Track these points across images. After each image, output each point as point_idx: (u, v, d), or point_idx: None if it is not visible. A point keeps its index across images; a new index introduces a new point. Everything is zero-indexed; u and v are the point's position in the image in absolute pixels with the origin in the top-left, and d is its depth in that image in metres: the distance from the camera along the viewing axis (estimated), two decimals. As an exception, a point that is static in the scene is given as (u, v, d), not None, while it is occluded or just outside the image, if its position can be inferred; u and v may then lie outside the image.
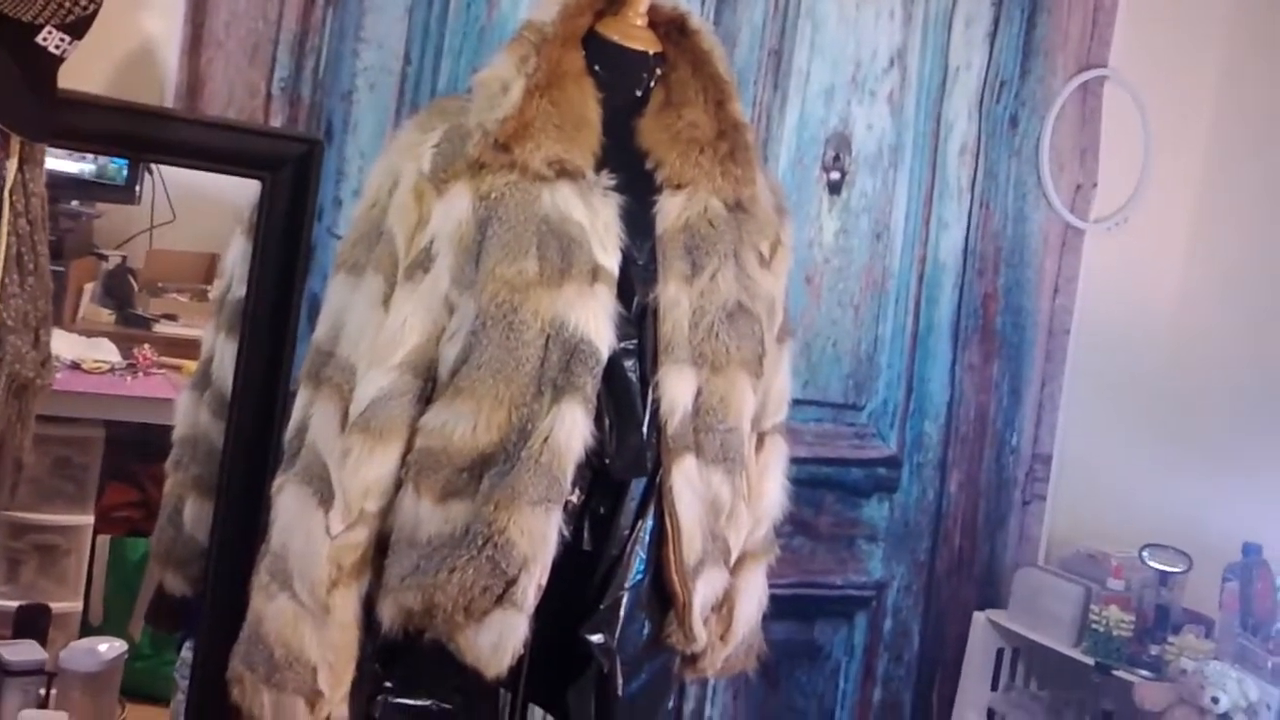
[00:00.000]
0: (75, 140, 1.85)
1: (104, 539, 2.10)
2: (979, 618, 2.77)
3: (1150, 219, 2.88)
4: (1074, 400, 2.88)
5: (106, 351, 2.08)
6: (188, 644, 2.07)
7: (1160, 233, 2.89)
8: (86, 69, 1.78)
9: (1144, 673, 2.45)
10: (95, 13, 1.61)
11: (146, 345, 2.11)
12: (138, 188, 2.04)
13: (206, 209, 2.07)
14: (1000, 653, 2.79)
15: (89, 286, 2.10)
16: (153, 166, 2.01)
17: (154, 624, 2.14)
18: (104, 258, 2.11)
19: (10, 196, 1.64)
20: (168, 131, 1.88)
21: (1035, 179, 2.77)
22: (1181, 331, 2.88)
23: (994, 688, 2.79)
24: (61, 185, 1.88)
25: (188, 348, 2.10)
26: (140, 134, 1.86)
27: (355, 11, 2.08)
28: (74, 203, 2.03)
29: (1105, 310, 2.86)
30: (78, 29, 1.61)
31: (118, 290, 2.12)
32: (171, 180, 2.02)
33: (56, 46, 1.60)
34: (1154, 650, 2.48)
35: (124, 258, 2.13)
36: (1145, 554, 2.53)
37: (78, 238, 2.06)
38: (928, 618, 2.79)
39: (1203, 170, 2.91)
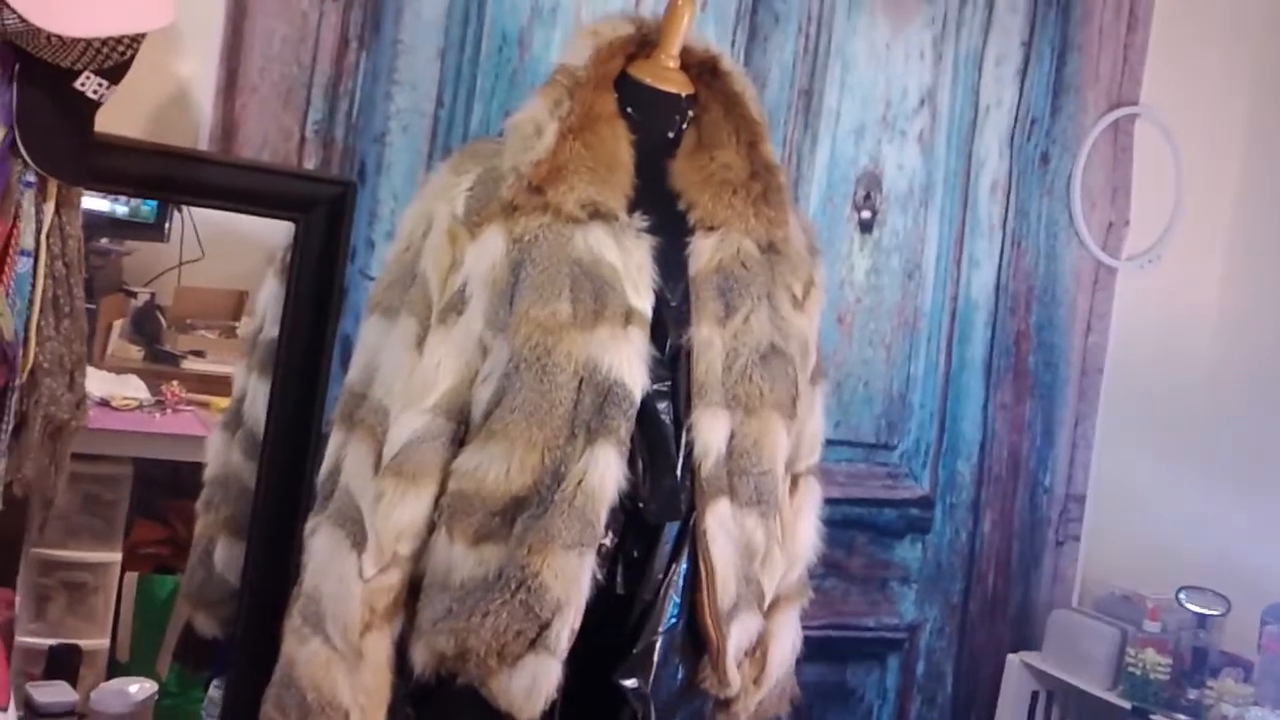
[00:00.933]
0: (111, 184, 1.86)
1: (132, 576, 2.09)
2: (1013, 660, 2.74)
3: (1183, 256, 2.86)
4: (1108, 439, 2.85)
5: (135, 388, 2.09)
6: (215, 683, 2.06)
7: (1193, 270, 2.87)
8: (123, 113, 1.79)
9: (1182, 717, 2.42)
10: (132, 58, 1.62)
11: (175, 382, 2.11)
12: (167, 225, 2.05)
13: (235, 247, 2.08)
14: (1035, 696, 2.75)
15: (118, 323, 2.11)
16: (182, 205, 2.02)
17: (182, 663, 2.13)
18: (133, 294, 2.12)
19: (47, 240, 1.65)
20: (203, 174, 1.90)
21: (1067, 217, 2.76)
22: (1216, 369, 2.86)
23: (1029, 731, 2.77)
24: (92, 224, 1.89)
25: (216, 384, 2.11)
26: (176, 177, 1.88)
27: (388, 55, 2.09)
28: (104, 240, 2.04)
29: (1139, 348, 2.84)
30: (115, 74, 1.62)
31: (146, 327, 2.13)
32: (200, 218, 2.03)
33: (94, 91, 1.61)
34: (1192, 694, 2.45)
35: (152, 294, 2.13)
36: (1183, 596, 2.49)
37: (107, 275, 2.07)
38: (961, 660, 2.76)
39: (1235, 207, 2.90)
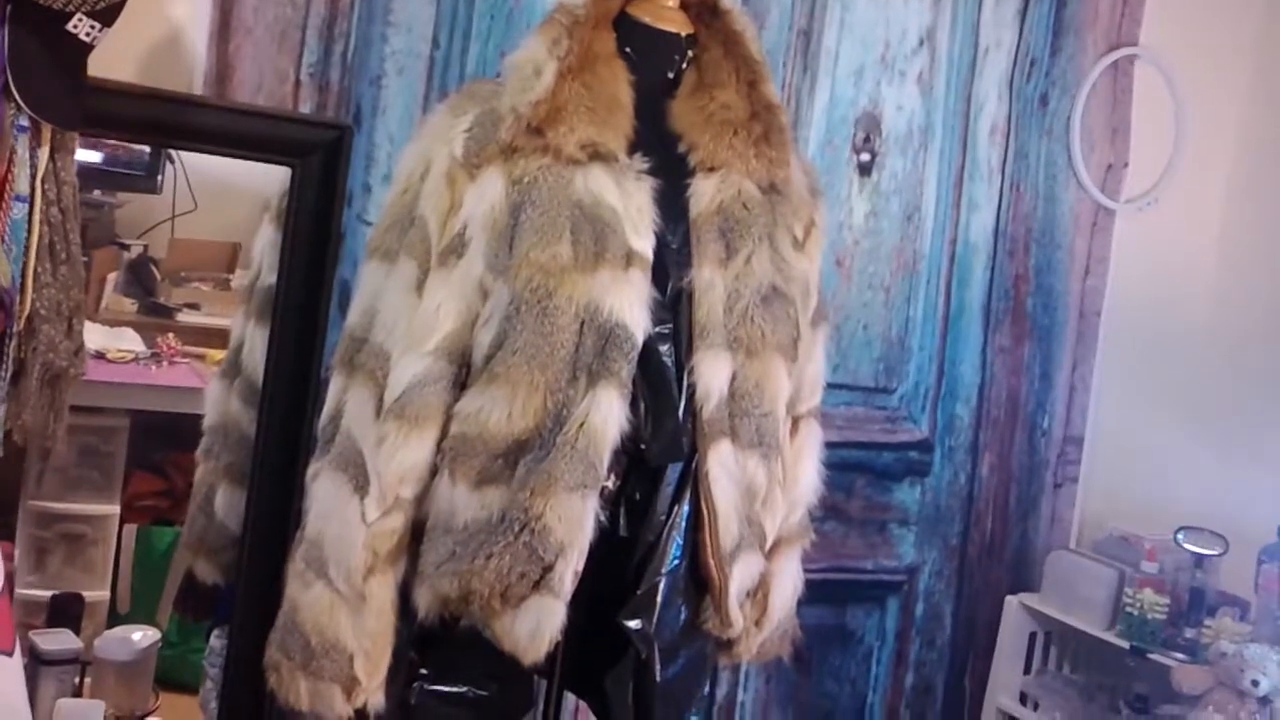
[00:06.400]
0: (105, 128, 1.84)
1: (130, 528, 2.10)
2: (1011, 601, 2.76)
3: (1182, 199, 2.85)
4: (1106, 382, 2.86)
5: (130, 341, 2.09)
6: (216, 632, 2.07)
7: (1192, 212, 2.87)
8: (116, 57, 1.78)
9: (1180, 656, 2.44)
10: (124, 0, 1.60)
11: (170, 334, 2.11)
12: (159, 177, 2.04)
13: (228, 198, 2.07)
14: (1033, 636, 2.78)
15: (111, 276, 2.10)
16: (174, 155, 2.00)
17: (183, 612, 2.14)
18: (126, 247, 2.11)
19: (42, 185, 1.64)
20: (197, 119, 1.88)
21: (1066, 159, 2.75)
22: (1214, 312, 2.86)
23: (1027, 671, 2.78)
24: (84, 174, 1.88)
25: (211, 336, 2.10)
26: (170, 121, 1.86)
27: (382, -5, 2.08)
28: (96, 192, 2.02)
29: (1137, 291, 2.84)
30: (107, 16, 1.60)
31: (140, 280, 2.12)
32: (193, 169, 2.01)
33: (87, 34, 1.59)
34: (1189, 633, 2.47)
35: (145, 247, 2.12)
36: (1180, 536, 2.51)
37: (100, 227, 2.06)
38: (960, 601, 2.78)
39: (1235, 149, 2.89)
